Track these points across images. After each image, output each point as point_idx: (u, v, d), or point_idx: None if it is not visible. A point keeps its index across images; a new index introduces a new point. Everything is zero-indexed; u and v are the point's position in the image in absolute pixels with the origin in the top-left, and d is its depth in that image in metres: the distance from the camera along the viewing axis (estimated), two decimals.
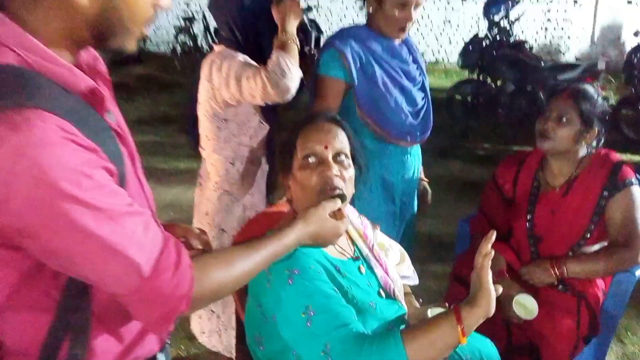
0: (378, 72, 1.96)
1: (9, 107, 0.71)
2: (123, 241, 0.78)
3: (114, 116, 0.91)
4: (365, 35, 1.98)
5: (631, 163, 2.14)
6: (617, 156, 1.92)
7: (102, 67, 0.97)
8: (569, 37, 10.52)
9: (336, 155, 1.27)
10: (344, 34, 2.01)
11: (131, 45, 0.88)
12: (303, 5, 8.98)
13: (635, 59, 5.45)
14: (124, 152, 0.88)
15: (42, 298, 0.83)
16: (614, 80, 8.16)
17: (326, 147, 1.26)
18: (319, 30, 8.75)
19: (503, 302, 1.79)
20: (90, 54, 0.94)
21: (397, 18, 1.92)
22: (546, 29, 10.48)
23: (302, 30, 8.26)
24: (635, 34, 6.48)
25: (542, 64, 5.88)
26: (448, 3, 10.54)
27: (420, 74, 2.11)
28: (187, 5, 10.85)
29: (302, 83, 1.89)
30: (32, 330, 0.85)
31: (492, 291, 1.20)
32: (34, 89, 0.74)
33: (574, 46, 10.52)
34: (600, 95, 2.04)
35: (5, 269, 0.79)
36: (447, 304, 1.43)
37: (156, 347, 1.02)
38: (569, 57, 10.23)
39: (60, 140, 0.73)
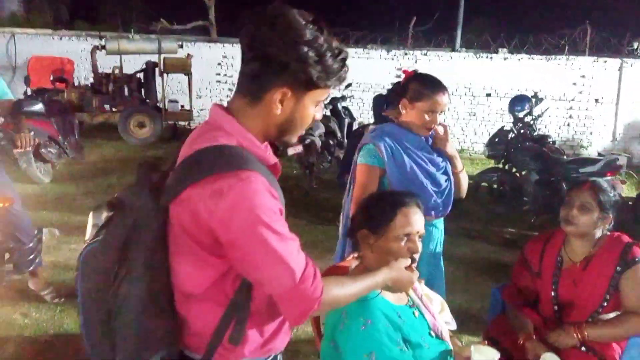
0: (407, 160, 2.40)
1: (237, 168, 1.14)
2: (288, 255, 1.15)
3: None
4: (397, 132, 2.44)
5: None
6: (628, 238, 2.26)
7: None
8: (591, 133, 11.00)
9: (420, 236, 1.70)
10: (378, 132, 2.48)
11: (294, 140, 1.32)
12: (338, 94, 9.75)
13: None
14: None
15: (221, 295, 1.21)
16: (635, 176, 8.52)
17: (417, 232, 1.68)
18: (352, 118, 9.42)
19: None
20: (266, 145, 1.37)
21: (425, 121, 2.37)
22: (569, 124, 11.00)
23: (336, 116, 8.92)
24: None
25: (565, 157, 6.30)
26: (474, 97, 11.21)
27: (442, 160, 2.52)
28: (231, 91, 11.75)
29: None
30: (210, 318, 1.22)
31: None
32: (248, 159, 1.17)
33: (596, 142, 10.97)
34: (614, 188, 2.40)
35: (210, 269, 1.20)
36: (485, 342, 1.75)
37: (281, 346, 1.37)
38: (591, 151, 10.65)
39: (264, 190, 1.14)
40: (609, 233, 2.29)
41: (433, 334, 1.75)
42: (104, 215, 1.27)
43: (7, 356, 3.00)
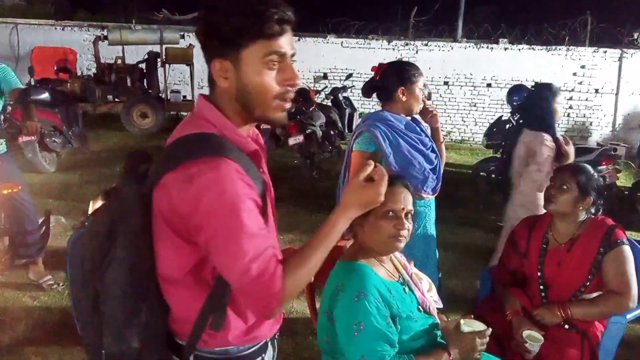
0: (402, 143, 2.56)
1: (210, 155, 1.15)
2: (248, 247, 1.13)
3: (265, 173, 1.37)
4: (389, 118, 2.60)
5: None
6: (611, 221, 2.36)
7: (261, 140, 1.42)
8: (590, 123, 11.06)
9: (407, 214, 1.77)
10: (371, 120, 2.62)
11: (277, 117, 1.25)
12: (339, 85, 9.80)
13: None
14: (267, 195, 1.30)
15: (202, 282, 1.22)
16: (634, 165, 8.60)
17: (403, 209, 1.75)
18: (353, 108, 9.51)
19: (517, 336, 2.20)
20: (254, 132, 1.40)
21: (421, 97, 2.60)
22: (569, 114, 11.04)
23: (337, 106, 9.01)
24: None
25: None
26: (474, 88, 11.27)
27: (429, 140, 2.70)
28: None
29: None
30: (192, 304, 1.24)
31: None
32: (223, 146, 1.18)
33: (595, 132, 11.04)
34: (605, 175, 2.50)
35: (186, 255, 1.20)
36: (472, 316, 1.86)
37: (269, 334, 1.38)
38: (591, 141, 10.72)
39: (234, 177, 1.14)
40: (593, 216, 2.39)
41: (421, 309, 1.86)
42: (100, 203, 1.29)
43: (18, 336, 3.12)
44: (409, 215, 1.78)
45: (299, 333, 3.20)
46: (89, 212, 1.32)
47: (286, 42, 1.21)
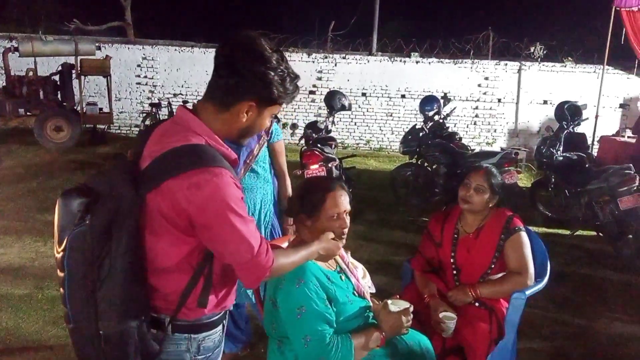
0: None
1: (211, 165, 1.40)
2: (249, 234, 1.43)
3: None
4: None
5: (542, 234, 2.93)
6: (509, 211, 2.74)
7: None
8: (495, 130, 12.00)
9: (347, 213, 2.03)
10: None
11: (246, 142, 1.67)
12: None
13: (544, 149, 6.51)
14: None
15: (187, 266, 1.47)
16: (533, 168, 9.46)
17: (344, 210, 2.01)
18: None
19: (435, 317, 2.50)
20: None
21: None
22: (475, 123, 11.92)
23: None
24: (547, 129, 7.68)
25: (468, 152, 6.96)
26: (390, 99, 11.89)
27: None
28: (152, 93, 11.69)
29: None
30: (177, 284, 1.48)
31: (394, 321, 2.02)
32: (217, 157, 1.43)
33: (500, 138, 12.00)
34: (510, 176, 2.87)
35: (183, 246, 1.45)
36: (397, 296, 2.13)
37: (230, 304, 1.66)
38: (496, 147, 11.64)
39: (231, 182, 1.41)
40: (495, 208, 2.76)
41: (356, 294, 2.10)
42: (78, 200, 1.43)
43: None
44: (348, 214, 2.03)
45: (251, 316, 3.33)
46: (59, 208, 1.43)
47: None
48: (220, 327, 1.65)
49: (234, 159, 1.55)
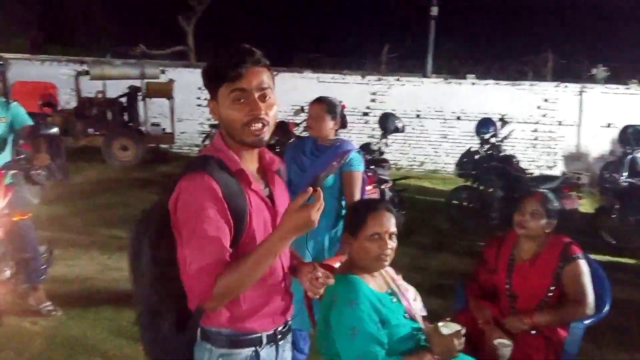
0: None
1: (194, 171, 1.47)
2: (197, 249, 1.41)
3: (270, 191, 1.64)
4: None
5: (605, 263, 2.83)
6: (567, 238, 2.69)
7: (275, 166, 1.69)
8: (555, 154, 11.64)
9: (390, 235, 2.05)
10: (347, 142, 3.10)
11: (250, 141, 1.52)
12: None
13: (607, 174, 6.29)
14: (252, 209, 1.52)
15: None
16: (597, 193, 9.09)
17: (386, 231, 2.03)
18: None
19: (489, 343, 2.47)
20: (271, 157, 1.68)
21: None
22: (534, 146, 11.62)
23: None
24: (610, 153, 7.43)
25: (527, 176, 6.80)
26: (445, 120, 11.79)
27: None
28: None
29: None
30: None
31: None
32: (207, 164, 1.48)
33: (560, 162, 11.62)
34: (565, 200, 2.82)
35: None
36: (448, 319, 2.13)
37: (259, 329, 1.56)
38: (556, 170, 11.25)
39: (205, 188, 1.43)
40: (551, 234, 2.71)
41: (407, 316, 2.12)
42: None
43: None
44: (393, 236, 2.06)
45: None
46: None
47: (250, 80, 1.48)
48: (248, 351, 1.55)
49: (237, 170, 1.53)
